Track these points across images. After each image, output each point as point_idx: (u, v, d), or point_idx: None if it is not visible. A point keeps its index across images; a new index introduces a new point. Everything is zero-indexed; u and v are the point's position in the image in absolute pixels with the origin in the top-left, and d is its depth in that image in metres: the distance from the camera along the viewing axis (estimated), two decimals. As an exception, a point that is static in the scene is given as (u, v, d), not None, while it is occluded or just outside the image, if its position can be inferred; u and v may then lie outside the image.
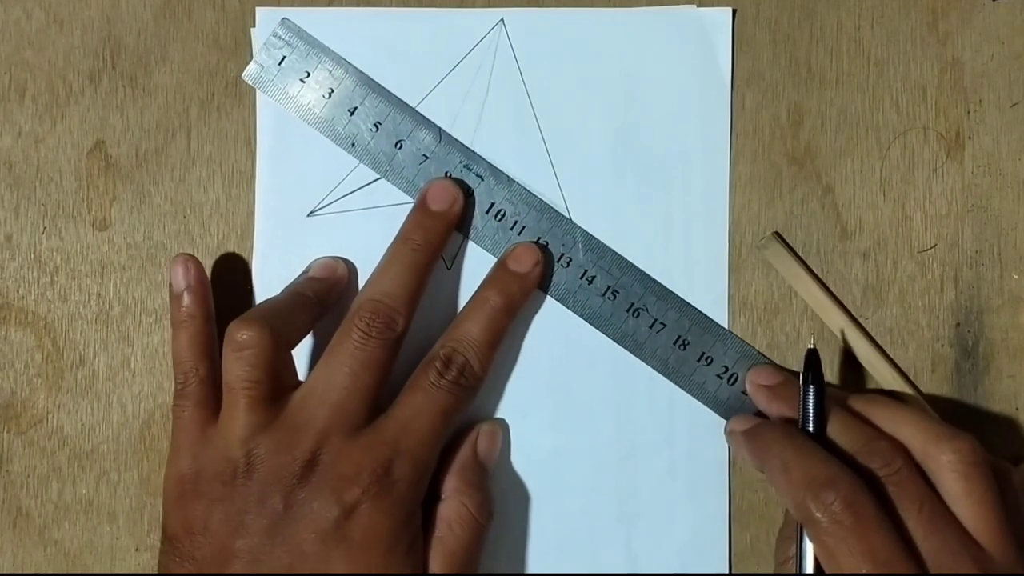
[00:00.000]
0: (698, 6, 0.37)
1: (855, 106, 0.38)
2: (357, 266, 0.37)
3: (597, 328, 0.36)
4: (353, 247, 0.37)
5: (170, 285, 0.35)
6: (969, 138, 0.38)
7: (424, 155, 0.37)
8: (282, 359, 0.33)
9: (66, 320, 0.37)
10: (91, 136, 0.37)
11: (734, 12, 0.37)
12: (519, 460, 0.37)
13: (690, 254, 0.37)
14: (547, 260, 0.36)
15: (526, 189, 0.37)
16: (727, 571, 0.37)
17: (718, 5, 0.37)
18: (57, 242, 0.37)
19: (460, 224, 0.36)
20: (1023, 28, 0.38)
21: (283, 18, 0.37)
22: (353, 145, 0.37)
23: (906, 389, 0.36)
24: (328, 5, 0.37)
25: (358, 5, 0.37)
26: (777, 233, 0.37)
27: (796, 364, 0.37)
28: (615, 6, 0.37)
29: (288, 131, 0.37)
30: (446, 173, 0.37)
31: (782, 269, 0.37)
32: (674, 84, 0.37)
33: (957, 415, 0.37)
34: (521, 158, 0.37)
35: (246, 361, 0.32)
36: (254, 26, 0.37)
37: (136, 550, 0.37)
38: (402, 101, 0.37)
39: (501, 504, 0.37)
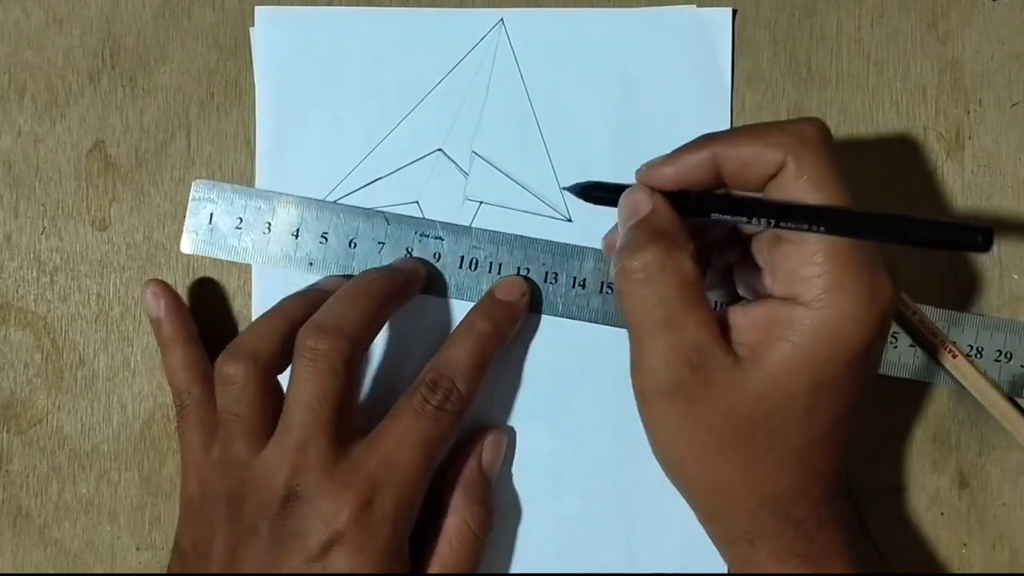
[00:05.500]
0: (698, 6, 0.37)
1: (855, 106, 0.38)
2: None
3: (607, 324, 0.36)
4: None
5: (147, 311, 0.35)
6: (969, 138, 0.38)
7: (379, 242, 0.36)
8: (268, 389, 0.32)
9: (66, 320, 0.37)
10: (90, 136, 0.37)
11: (734, 12, 0.37)
12: (520, 460, 0.37)
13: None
14: (533, 290, 0.36)
15: (484, 229, 0.37)
16: (727, 571, 0.37)
17: (718, 5, 0.37)
18: (57, 242, 0.37)
19: (443, 290, 0.36)
20: (1023, 28, 0.38)
21: (195, 181, 0.37)
22: (311, 264, 0.36)
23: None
24: (328, 4, 0.37)
25: (358, 5, 0.37)
26: None
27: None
28: (615, 6, 0.37)
29: (288, 131, 0.37)
30: (407, 250, 0.36)
31: None
32: (674, 84, 0.37)
33: (958, 415, 0.37)
34: (521, 158, 0.37)
35: (230, 395, 0.32)
36: (253, 25, 0.37)
37: (137, 549, 0.37)
38: (337, 203, 0.37)
39: (501, 503, 0.37)
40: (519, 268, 0.36)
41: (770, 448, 0.29)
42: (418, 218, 0.37)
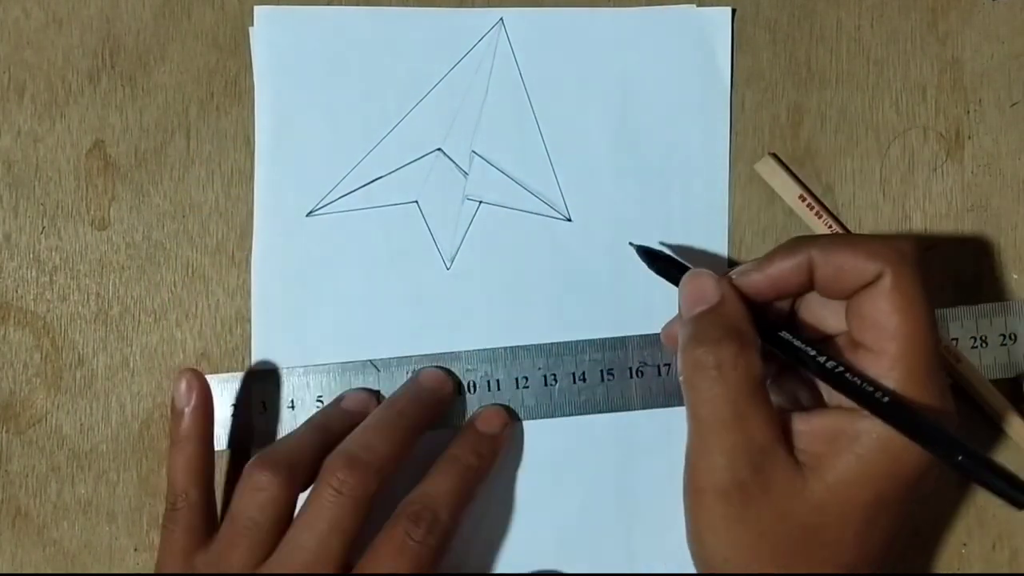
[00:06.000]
0: (698, 6, 0.37)
1: (855, 106, 0.38)
2: (356, 266, 0.37)
3: (615, 411, 0.36)
4: (352, 247, 0.37)
5: (172, 399, 0.35)
6: (969, 138, 0.38)
7: (374, 390, 0.36)
8: (292, 506, 0.32)
9: (65, 320, 0.37)
10: (90, 136, 0.37)
11: (734, 12, 0.37)
12: (521, 460, 0.37)
13: (690, 254, 0.37)
14: (515, 423, 0.36)
15: (474, 351, 0.36)
16: None
17: (718, 5, 0.37)
18: (56, 242, 0.37)
19: (444, 420, 0.36)
20: (1023, 28, 0.38)
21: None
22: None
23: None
24: (328, 4, 0.37)
25: (357, 4, 0.37)
26: (774, 153, 0.37)
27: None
28: (615, 6, 0.37)
29: (287, 131, 0.37)
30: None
31: (776, 185, 0.37)
32: (674, 84, 0.37)
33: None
34: (521, 158, 0.37)
35: (255, 501, 0.31)
36: (253, 25, 0.37)
37: (135, 550, 0.37)
38: (324, 365, 0.36)
39: (501, 502, 0.36)
40: (516, 379, 0.36)
41: (821, 562, 0.29)
42: (405, 357, 0.36)
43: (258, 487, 0.31)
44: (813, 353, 0.29)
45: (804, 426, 0.29)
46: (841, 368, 0.29)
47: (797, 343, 0.30)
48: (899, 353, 0.28)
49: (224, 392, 0.36)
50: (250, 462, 0.32)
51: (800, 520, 0.28)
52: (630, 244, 0.35)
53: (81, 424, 0.37)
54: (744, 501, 0.29)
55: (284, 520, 0.32)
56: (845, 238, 0.30)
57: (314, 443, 0.33)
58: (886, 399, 0.28)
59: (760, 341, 0.30)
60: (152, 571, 0.37)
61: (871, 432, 0.28)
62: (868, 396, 0.28)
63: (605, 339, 0.36)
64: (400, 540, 0.31)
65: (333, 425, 0.34)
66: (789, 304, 0.32)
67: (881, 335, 0.29)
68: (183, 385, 0.34)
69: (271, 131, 0.37)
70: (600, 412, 0.36)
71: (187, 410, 0.34)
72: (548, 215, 0.37)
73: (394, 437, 0.33)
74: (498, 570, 0.37)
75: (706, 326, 0.30)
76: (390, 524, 0.32)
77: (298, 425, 0.35)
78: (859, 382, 0.28)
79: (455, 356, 0.36)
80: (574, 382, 0.36)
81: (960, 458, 0.26)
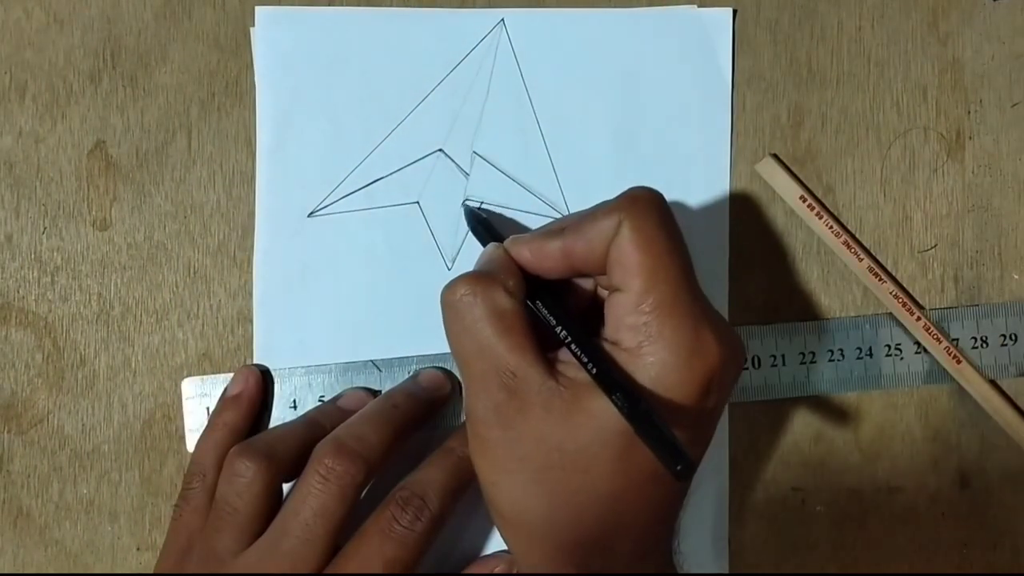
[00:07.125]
0: (699, 6, 0.37)
1: (856, 106, 0.38)
2: (357, 267, 0.37)
3: None
4: (353, 248, 0.37)
5: (226, 387, 0.36)
6: (969, 138, 0.38)
7: (376, 390, 0.37)
8: (272, 492, 0.32)
9: (67, 320, 0.37)
10: (91, 136, 0.37)
11: (735, 12, 0.37)
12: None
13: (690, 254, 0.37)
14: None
15: None
16: (727, 571, 0.37)
17: (719, 5, 0.37)
18: (58, 242, 0.37)
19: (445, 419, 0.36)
20: (1023, 28, 0.38)
21: (183, 381, 0.37)
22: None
23: (888, 288, 0.37)
24: (328, 5, 0.37)
25: (358, 5, 0.37)
26: (774, 154, 0.37)
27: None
28: (615, 6, 0.37)
29: (288, 131, 0.37)
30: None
31: (777, 186, 0.37)
32: (674, 84, 0.37)
33: (958, 415, 0.37)
34: (521, 158, 0.37)
35: (233, 488, 0.32)
36: (253, 25, 0.37)
37: (137, 550, 0.37)
38: (325, 365, 0.37)
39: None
40: None
41: (579, 489, 0.28)
42: (406, 357, 0.37)
43: (236, 474, 0.32)
44: (553, 323, 0.30)
45: (568, 356, 0.29)
46: (570, 339, 0.29)
47: (543, 312, 0.30)
48: (644, 287, 0.28)
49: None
50: (231, 450, 0.33)
51: (556, 443, 0.28)
52: (463, 203, 0.36)
53: (83, 424, 0.37)
54: (503, 424, 0.29)
55: (266, 506, 0.32)
56: (586, 211, 0.31)
57: (302, 435, 0.34)
58: (594, 371, 0.28)
59: (513, 281, 0.30)
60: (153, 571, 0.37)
61: (626, 363, 0.28)
62: (583, 364, 0.28)
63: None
64: (386, 524, 0.31)
65: (325, 420, 0.34)
66: (592, 286, 0.32)
67: (627, 274, 0.28)
68: (239, 376, 0.36)
69: (272, 131, 0.37)
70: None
71: (232, 400, 0.36)
72: (549, 216, 0.37)
73: (386, 429, 0.33)
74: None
75: (464, 274, 0.31)
76: (378, 509, 0.32)
77: (296, 423, 0.35)
78: (579, 352, 0.28)
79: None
80: None
81: (644, 429, 0.26)
